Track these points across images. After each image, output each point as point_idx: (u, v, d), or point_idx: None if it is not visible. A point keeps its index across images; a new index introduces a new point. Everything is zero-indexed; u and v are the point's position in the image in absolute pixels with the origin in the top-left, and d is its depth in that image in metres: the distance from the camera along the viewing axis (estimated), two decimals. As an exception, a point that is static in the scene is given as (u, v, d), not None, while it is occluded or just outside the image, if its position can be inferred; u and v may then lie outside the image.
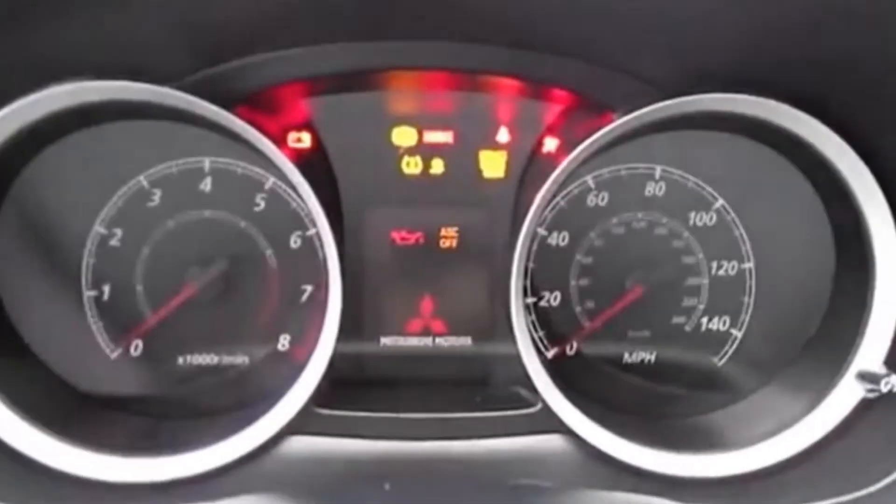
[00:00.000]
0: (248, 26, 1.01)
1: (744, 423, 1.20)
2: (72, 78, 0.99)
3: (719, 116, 1.11)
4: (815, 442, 1.12)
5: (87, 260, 1.20)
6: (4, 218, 1.12)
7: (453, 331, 1.22)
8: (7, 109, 1.00)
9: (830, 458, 1.11)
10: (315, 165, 1.15)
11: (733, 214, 1.26)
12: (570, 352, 1.27)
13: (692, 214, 1.26)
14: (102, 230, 1.19)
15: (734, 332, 1.28)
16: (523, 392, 1.16)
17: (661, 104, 1.05)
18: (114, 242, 1.20)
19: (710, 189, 1.26)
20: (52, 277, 1.19)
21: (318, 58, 1.07)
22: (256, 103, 1.09)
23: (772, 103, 1.09)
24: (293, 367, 1.18)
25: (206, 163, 1.20)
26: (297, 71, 1.08)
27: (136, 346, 1.21)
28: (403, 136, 1.20)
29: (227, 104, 1.03)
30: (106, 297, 1.20)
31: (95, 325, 1.21)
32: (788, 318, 1.26)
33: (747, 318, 1.27)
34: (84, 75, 1.00)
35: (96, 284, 1.20)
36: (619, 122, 1.06)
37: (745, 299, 1.27)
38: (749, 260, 1.27)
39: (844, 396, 1.13)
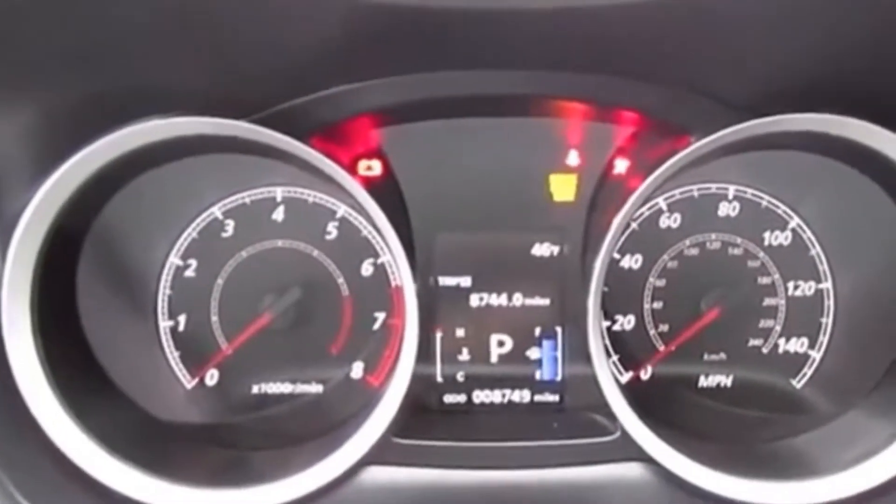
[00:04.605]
0: (322, 62, 1.01)
1: (827, 449, 1.16)
2: (153, 116, 1.01)
3: (798, 135, 1.09)
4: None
5: (163, 291, 1.21)
6: (86, 254, 1.14)
7: (526, 356, 1.21)
8: (90, 148, 1.01)
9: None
10: (386, 192, 1.15)
11: (809, 233, 1.23)
12: (644, 376, 1.25)
13: (767, 234, 1.24)
14: (178, 261, 1.21)
15: (812, 353, 1.25)
16: (600, 419, 1.14)
17: (741, 126, 1.03)
18: (189, 273, 1.21)
19: (784, 208, 1.23)
20: (130, 309, 1.20)
21: (390, 90, 1.06)
22: (329, 134, 1.09)
23: (854, 121, 1.05)
24: (367, 394, 1.18)
25: (279, 193, 1.21)
26: (370, 103, 1.07)
27: (212, 376, 1.23)
28: (473, 162, 1.19)
29: (302, 136, 1.04)
30: (182, 327, 1.22)
31: (172, 356, 1.22)
32: (869, 339, 1.22)
33: (826, 340, 1.24)
34: (165, 113, 1.01)
35: (172, 315, 1.22)
36: (698, 145, 1.04)
37: (824, 320, 1.24)
38: (827, 279, 1.24)
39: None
